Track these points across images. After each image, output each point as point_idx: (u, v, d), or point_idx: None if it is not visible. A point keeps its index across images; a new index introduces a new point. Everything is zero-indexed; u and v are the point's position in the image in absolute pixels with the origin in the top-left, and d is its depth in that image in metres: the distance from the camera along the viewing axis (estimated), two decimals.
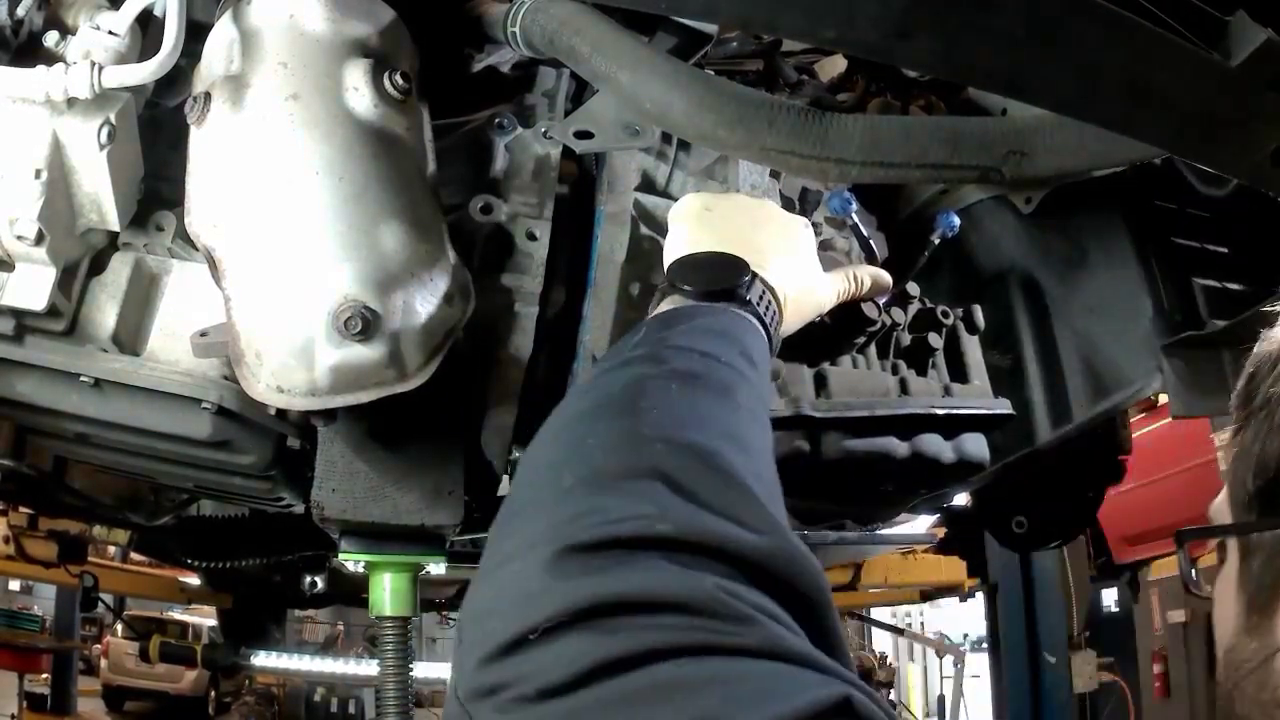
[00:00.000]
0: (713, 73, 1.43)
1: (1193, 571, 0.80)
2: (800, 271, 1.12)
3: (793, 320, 1.10)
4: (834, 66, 2.08)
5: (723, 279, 1.00)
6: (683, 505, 0.64)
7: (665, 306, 0.99)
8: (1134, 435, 2.16)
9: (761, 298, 1.01)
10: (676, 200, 1.39)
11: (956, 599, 7.80)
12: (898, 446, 1.55)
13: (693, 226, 1.10)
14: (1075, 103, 0.89)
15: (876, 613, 11.16)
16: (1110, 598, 8.28)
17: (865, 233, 1.40)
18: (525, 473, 0.77)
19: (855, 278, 1.23)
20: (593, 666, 0.53)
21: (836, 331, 1.26)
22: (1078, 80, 0.84)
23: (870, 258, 1.40)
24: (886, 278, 1.28)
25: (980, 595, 7.05)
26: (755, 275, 1.02)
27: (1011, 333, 1.90)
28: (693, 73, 1.18)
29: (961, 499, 2.29)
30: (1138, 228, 1.80)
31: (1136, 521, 6.35)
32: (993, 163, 1.16)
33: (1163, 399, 1.72)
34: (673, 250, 1.09)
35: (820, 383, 1.48)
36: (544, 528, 0.63)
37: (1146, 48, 0.81)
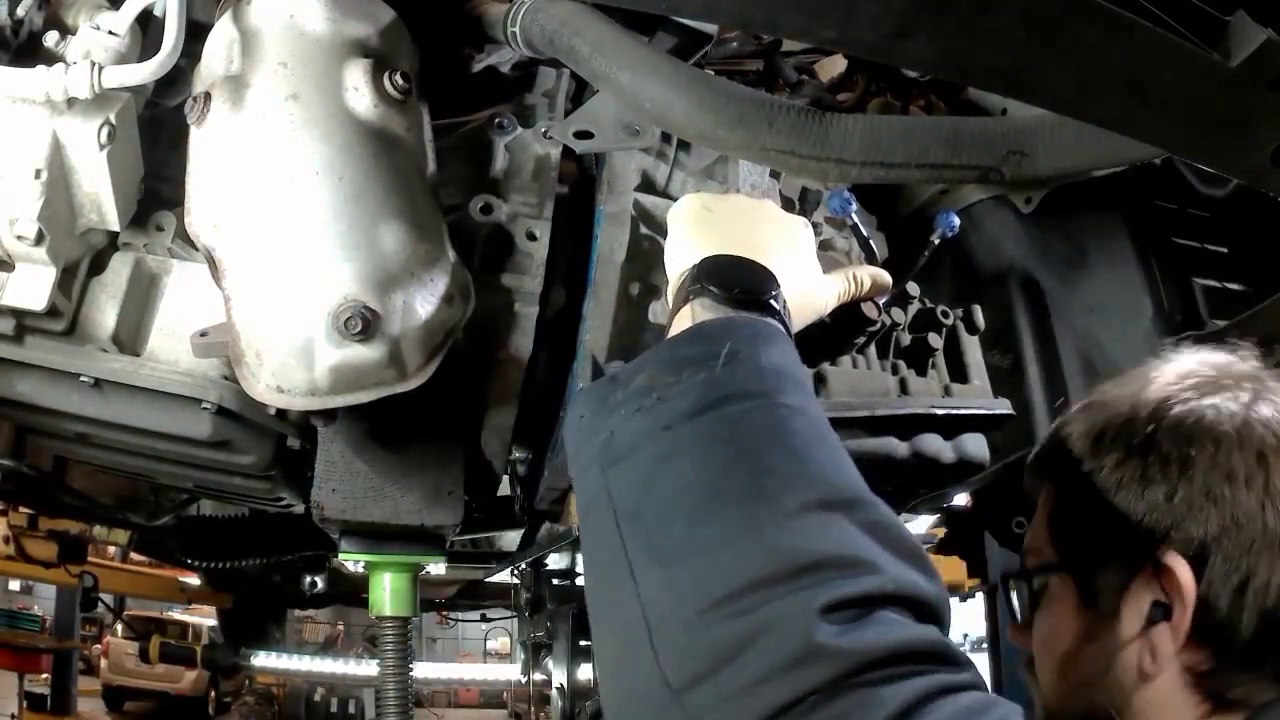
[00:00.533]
0: (713, 73, 1.43)
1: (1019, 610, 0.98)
2: (802, 273, 1.10)
3: (795, 322, 1.07)
4: (834, 66, 2.08)
5: (756, 288, 0.98)
6: (888, 559, 0.74)
7: (700, 312, 0.96)
8: None
9: (785, 309, 1.00)
10: (676, 200, 1.39)
11: (957, 599, 7.80)
12: (898, 447, 1.54)
13: (692, 227, 1.08)
14: (1075, 103, 0.89)
15: None
16: None
17: (865, 233, 1.40)
18: (702, 497, 0.77)
19: (855, 278, 1.22)
20: (907, 704, 0.64)
21: (836, 332, 1.25)
22: (1078, 80, 0.84)
23: (870, 258, 1.40)
24: (886, 278, 1.28)
25: (980, 595, 7.05)
26: (780, 287, 1.00)
27: (1011, 333, 1.90)
28: (693, 73, 1.18)
29: (961, 499, 2.29)
30: (1138, 228, 1.80)
31: None
32: (993, 163, 1.16)
33: None
34: (675, 251, 1.07)
35: (820, 383, 1.47)
36: (776, 570, 0.71)
37: (1146, 48, 0.80)
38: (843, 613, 0.68)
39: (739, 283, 0.97)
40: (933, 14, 0.78)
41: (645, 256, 1.42)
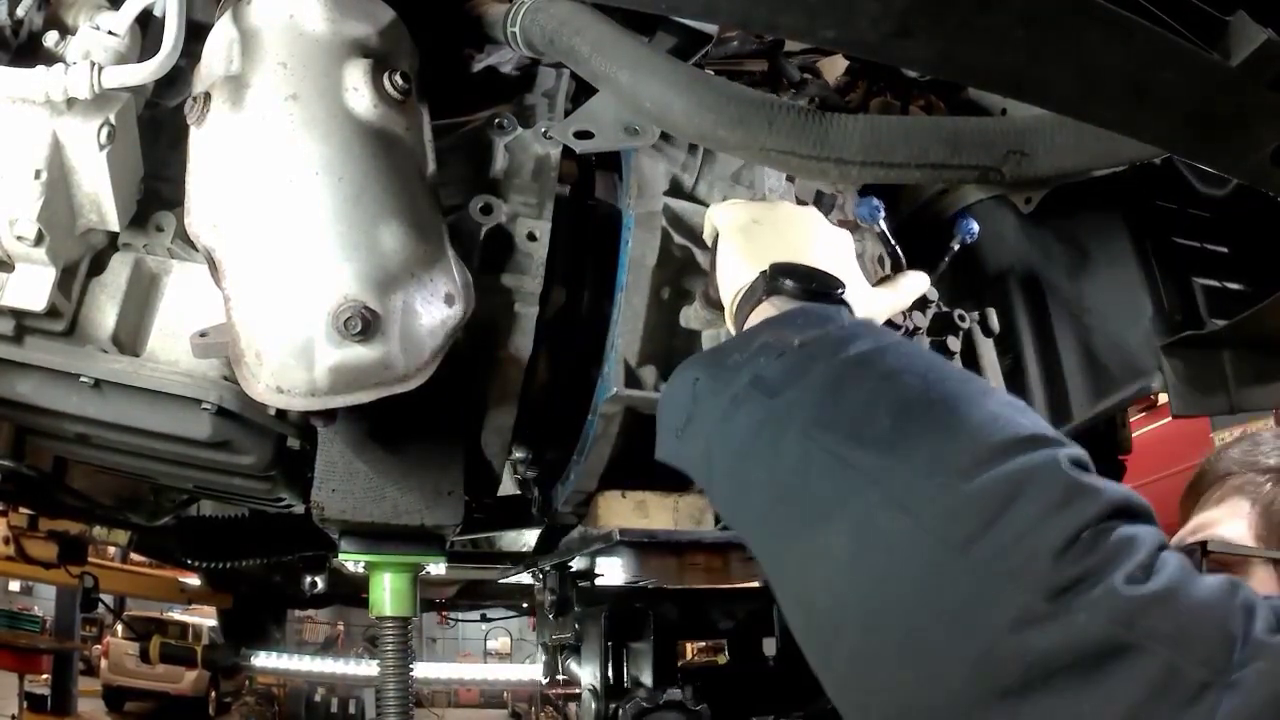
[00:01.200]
0: (713, 73, 1.43)
1: None
2: (854, 289, 1.14)
3: None
4: (836, 66, 2.08)
5: (828, 285, 1.03)
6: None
7: (768, 309, 1.01)
8: (1134, 435, 2.15)
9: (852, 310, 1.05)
10: (704, 204, 1.41)
11: None
12: None
13: (744, 240, 1.12)
14: (1075, 103, 0.89)
15: None
16: None
17: (893, 240, 1.41)
18: (900, 402, 0.79)
19: (898, 293, 1.28)
20: (1155, 547, 0.68)
21: None
22: (1078, 80, 0.84)
23: (897, 264, 1.41)
24: (924, 285, 1.31)
25: None
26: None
27: (1011, 333, 1.90)
28: (693, 73, 1.18)
29: None
30: (1138, 228, 1.80)
31: None
32: (993, 163, 1.16)
33: (1163, 399, 1.72)
34: (729, 264, 1.11)
35: None
36: (1027, 431, 0.75)
37: (1146, 48, 0.80)
38: (1081, 469, 0.72)
39: (813, 277, 1.02)
40: (933, 14, 0.78)
41: (674, 261, 1.42)
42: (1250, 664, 0.62)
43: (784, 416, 0.82)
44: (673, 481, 1.57)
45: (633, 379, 1.37)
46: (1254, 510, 1.05)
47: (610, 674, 1.87)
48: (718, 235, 1.21)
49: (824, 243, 1.15)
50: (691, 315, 1.36)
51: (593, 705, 1.74)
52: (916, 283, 1.30)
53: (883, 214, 1.39)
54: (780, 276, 1.02)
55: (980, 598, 0.67)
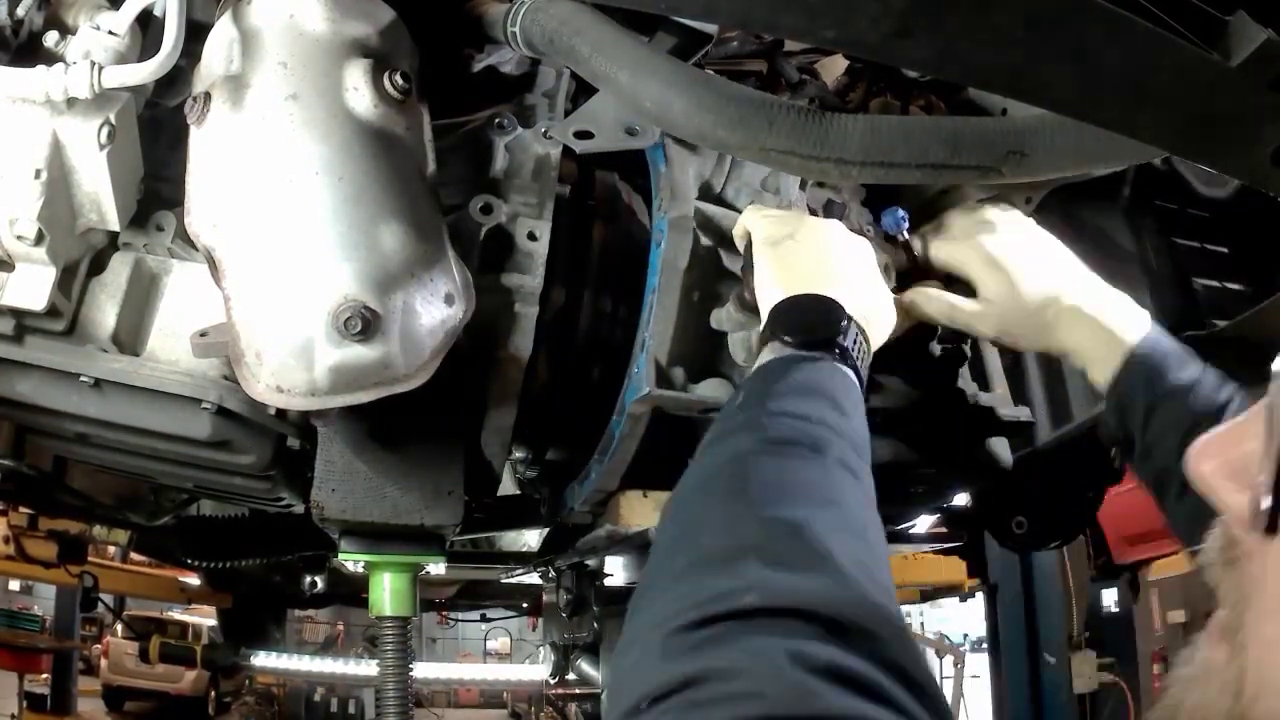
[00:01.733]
0: (713, 72, 1.43)
1: None
2: (876, 300, 1.19)
3: (873, 338, 1.18)
4: (835, 67, 2.08)
5: (821, 328, 1.08)
6: (771, 575, 0.71)
7: (766, 355, 1.08)
8: None
9: (855, 340, 1.10)
10: (733, 208, 1.45)
11: (956, 599, 7.81)
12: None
13: (774, 257, 1.18)
14: (1075, 103, 0.89)
15: None
16: (1110, 598, 8.27)
17: (916, 250, 1.43)
18: (653, 554, 0.85)
19: (925, 298, 1.33)
20: None
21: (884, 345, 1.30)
22: (1078, 80, 0.84)
23: (918, 274, 1.43)
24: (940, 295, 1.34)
25: (980, 595, 7.06)
26: (851, 320, 1.10)
27: None
28: (693, 73, 1.18)
29: (961, 499, 2.29)
30: (1138, 228, 1.80)
31: (1136, 521, 6.35)
32: (993, 163, 1.16)
33: None
34: (763, 282, 1.17)
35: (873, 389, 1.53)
36: (658, 612, 0.71)
37: (1146, 48, 0.80)
38: (690, 634, 0.67)
39: (806, 328, 1.08)
40: (933, 14, 0.78)
41: (704, 263, 1.43)
42: None
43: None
44: None
45: (663, 379, 1.38)
46: None
47: None
48: (749, 241, 1.26)
49: (848, 256, 1.20)
50: (724, 317, 1.38)
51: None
52: (936, 290, 1.35)
53: (906, 224, 1.41)
54: (777, 326, 1.10)
55: None
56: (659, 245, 1.43)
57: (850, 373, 1.07)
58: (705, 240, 1.44)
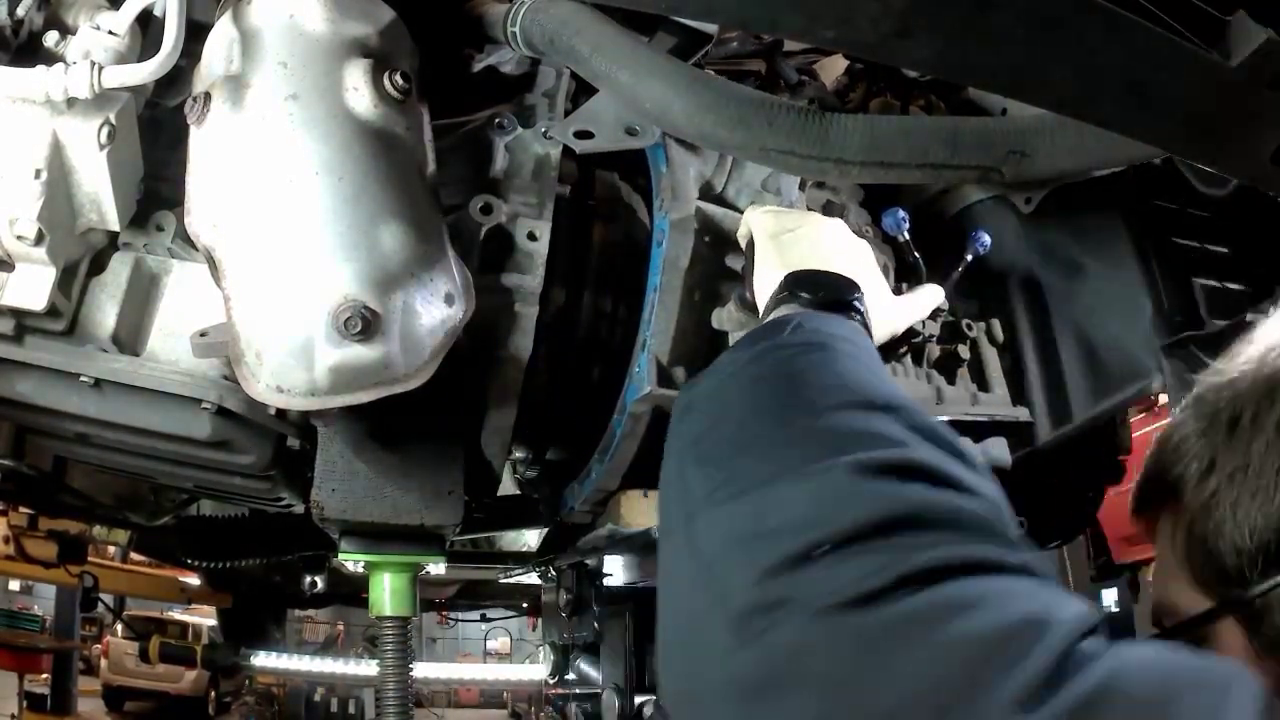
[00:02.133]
0: (713, 73, 1.43)
1: None
2: (877, 298, 1.18)
3: (876, 337, 1.16)
4: (835, 67, 2.08)
5: (839, 291, 1.07)
6: (919, 442, 0.70)
7: (783, 311, 1.05)
8: (1134, 435, 2.15)
9: (865, 312, 1.08)
10: (734, 208, 1.45)
11: None
12: None
13: (775, 250, 1.16)
14: (1075, 103, 0.89)
15: None
16: (1110, 598, 8.28)
17: (916, 253, 1.43)
18: (718, 423, 0.81)
19: (919, 303, 1.32)
20: (896, 580, 0.56)
21: (883, 344, 1.31)
22: (1078, 80, 0.84)
23: (917, 275, 1.43)
24: (940, 297, 1.34)
25: None
26: (862, 297, 1.08)
27: (1011, 333, 1.90)
28: (693, 73, 1.18)
29: None
30: (1138, 228, 1.80)
31: None
32: (993, 163, 1.16)
33: (1163, 399, 1.72)
34: (764, 269, 1.16)
35: None
36: (813, 452, 0.68)
37: (1146, 48, 0.80)
38: (876, 477, 0.66)
39: (823, 287, 1.06)
40: (933, 14, 0.78)
41: (706, 262, 1.44)
42: None
43: (680, 437, 0.85)
44: None
45: (665, 378, 1.38)
46: (1177, 541, 0.76)
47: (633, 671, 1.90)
48: (752, 240, 1.25)
49: (850, 253, 1.19)
50: (725, 317, 1.38)
51: (616, 701, 1.75)
52: (934, 294, 1.35)
53: (907, 225, 1.41)
54: (794, 286, 1.07)
55: (700, 617, 0.66)
56: (660, 245, 1.43)
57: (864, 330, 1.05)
58: (706, 240, 1.44)
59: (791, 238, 1.18)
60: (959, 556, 0.58)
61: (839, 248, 1.19)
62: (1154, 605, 0.81)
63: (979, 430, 1.64)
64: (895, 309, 1.25)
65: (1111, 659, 0.54)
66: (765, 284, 1.15)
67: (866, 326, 1.06)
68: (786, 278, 1.09)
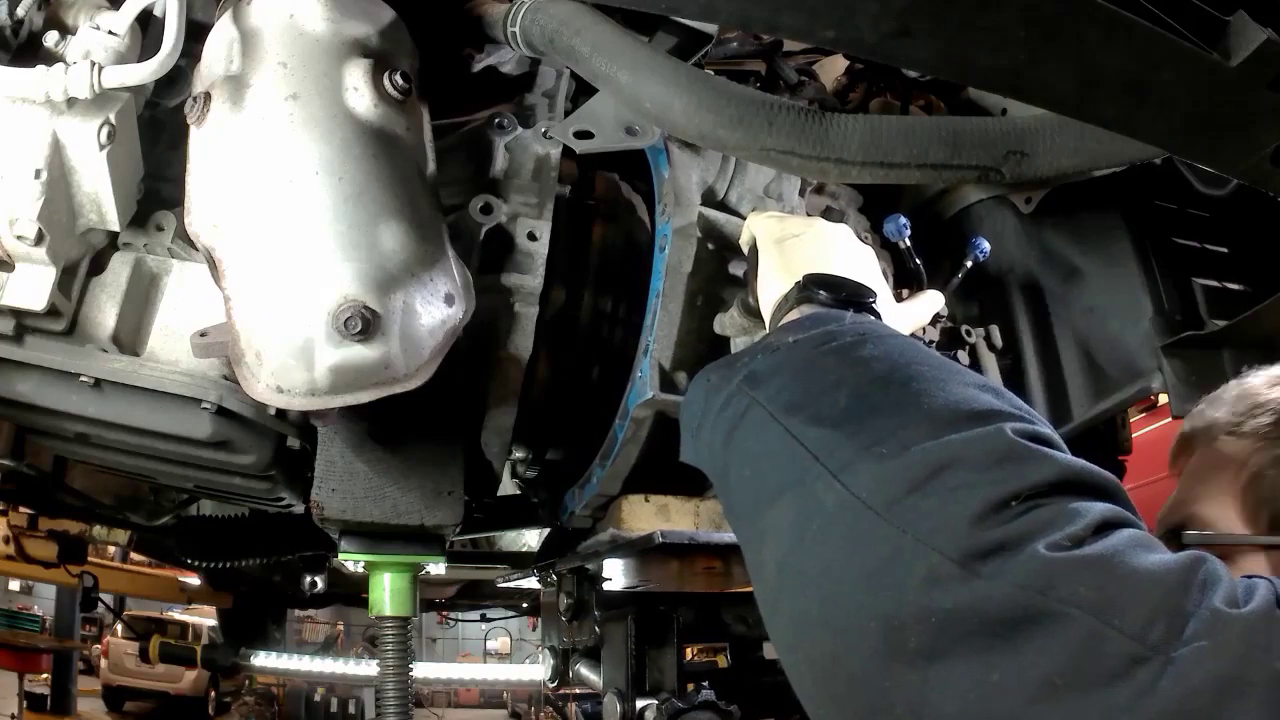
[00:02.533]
0: (713, 72, 1.43)
1: None
2: (880, 304, 1.18)
3: None
4: (836, 67, 2.08)
5: (858, 293, 1.08)
6: (1029, 414, 0.77)
7: (798, 313, 1.05)
8: (1134, 435, 2.15)
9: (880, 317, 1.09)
10: (735, 213, 1.45)
11: None
12: None
13: (779, 255, 1.17)
14: (1075, 103, 0.88)
15: None
16: None
17: (918, 260, 1.43)
18: (828, 390, 0.83)
19: (921, 308, 1.33)
20: (1101, 521, 0.67)
21: None
22: (1078, 80, 0.84)
23: (918, 281, 1.43)
24: (940, 303, 1.36)
25: None
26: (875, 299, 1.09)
27: (1011, 333, 1.90)
28: (693, 73, 1.18)
29: None
30: (1138, 228, 1.79)
31: None
32: (993, 163, 1.16)
33: (1163, 399, 1.71)
34: (770, 274, 1.16)
35: None
36: (957, 417, 0.74)
37: (1146, 48, 0.80)
38: (1034, 441, 0.72)
39: (844, 289, 1.07)
40: (933, 14, 0.78)
41: (708, 268, 1.44)
42: (1195, 641, 0.60)
43: (762, 405, 0.85)
44: (693, 486, 1.58)
45: (667, 383, 1.38)
46: (1238, 484, 0.95)
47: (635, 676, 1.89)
48: (755, 245, 1.26)
49: (854, 259, 1.20)
50: (727, 322, 1.38)
51: (618, 706, 1.75)
52: (934, 300, 1.35)
53: (908, 231, 1.41)
54: (813, 286, 1.07)
55: (894, 559, 0.68)
56: (663, 250, 1.43)
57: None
58: (709, 245, 1.44)
59: (796, 243, 1.19)
60: (1116, 514, 0.69)
61: (843, 253, 1.20)
62: (1171, 516, 0.97)
63: None
64: (897, 315, 1.25)
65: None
66: (770, 289, 1.15)
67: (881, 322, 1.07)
68: (805, 278, 1.10)
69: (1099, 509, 0.68)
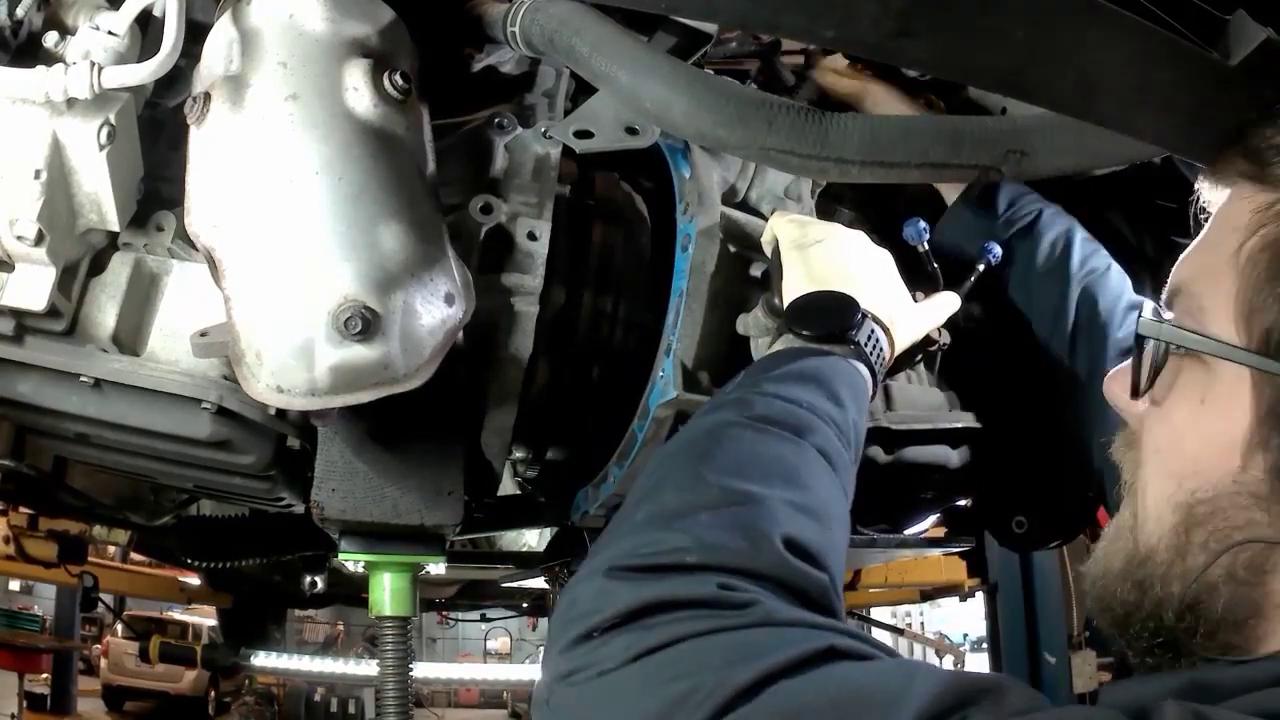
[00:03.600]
0: (713, 72, 1.43)
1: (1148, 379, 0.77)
2: (899, 304, 1.23)
3: (898, 341, 1.22)
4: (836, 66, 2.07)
5: (835, 323, 1.11)
6: (713, 538, 0.80)
7: (779, 346, 1.12)
8: None
9: (870, 337, 1.12)
10: (757, 213, 1.46)
11: (956, 599, 7.80)
12: (951, 456, 1.66)
13: (801, 262, 1.21)
14: (1075, 102, 0.89)
15: (877, 613, 11.17)
16: None
17: (936, 263, 1.44)
18: (624, 504, 0.93)
19: (938, 309, 1.35)
20: (638, 653, 0.71)
21: (902, 352, 1.33)
22: (1078, 80, 0.84)
23: (935, 284, 1.44)
24: (956, 305, 1.38)
25: (980, 595, 7.06)
26: (867, 316, 1.13)
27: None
28: (692, 73, 1.18)
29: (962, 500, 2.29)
30: (1138, 228, 1.80)
31: None
32: (993, 162, 1.16)
33: None
34: (791, 284, 1.21)
35: (887, 398, 1.57)
36: (612, 554, 0.82)
37: (1146, 47, 0.80)
38: (638, 575, 0.79)
39: (820, 322, 1.11)
40: (933, 14, 0.78)
41: (729, 267, 1.44)
42: None
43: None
44: None
45: (690, 382, 1.38)
46: (1238, 262, 0.71)
47: None
48: (777, 247, 1.28)
49: (873, 261, 1.23)
50: (750, 322, 1.39)
51: None
52: (950, 301, 1.37)
53: (928, 235, 1.42)
54: (793, 320, 1.13)
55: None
56: (685, 250, 1.43)
57: (862, 368, 1.10)
58: (729, 246, 1.44)
59: (819, 250, 1.21)
60: (689, 630, 0.72)
61: (862, 259, 1.22)
62: (1174, 276, 0.81)
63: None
64: (914, 317, 1.28)
65: None
66: (793, 294, 1.19)
67: (864, 352, 1.10)
68: (788, 308, 1.16)
69: (655, 635, 0.72)
